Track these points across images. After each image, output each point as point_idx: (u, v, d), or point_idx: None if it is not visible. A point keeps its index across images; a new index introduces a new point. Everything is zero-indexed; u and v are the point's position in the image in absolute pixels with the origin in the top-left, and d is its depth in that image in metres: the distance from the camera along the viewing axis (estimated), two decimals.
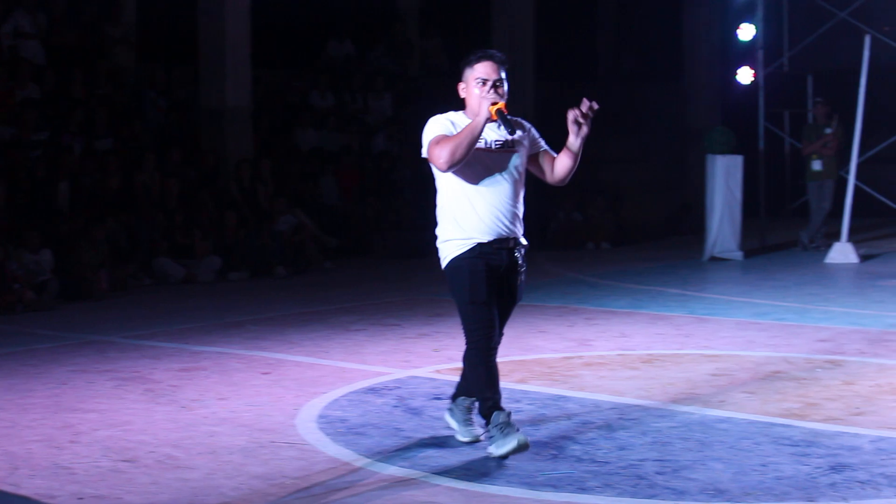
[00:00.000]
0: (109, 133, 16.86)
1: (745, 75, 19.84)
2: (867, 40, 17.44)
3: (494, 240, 6.36)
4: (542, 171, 6.65)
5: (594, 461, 6.29)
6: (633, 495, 5.70)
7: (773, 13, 19.96)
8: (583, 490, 5.79)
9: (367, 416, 7.45)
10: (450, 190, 6.44)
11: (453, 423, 6.77)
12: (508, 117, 6.26)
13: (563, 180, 6.64)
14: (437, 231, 6.53)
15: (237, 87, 18.25)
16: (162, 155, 16.81)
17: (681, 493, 5.71)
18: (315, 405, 7.76)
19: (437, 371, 8.94)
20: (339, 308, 12.58)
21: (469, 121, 6.33)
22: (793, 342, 10.13)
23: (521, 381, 8.45)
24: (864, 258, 16.79)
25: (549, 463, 6.26)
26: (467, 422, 6.73)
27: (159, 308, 12.86)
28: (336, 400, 7.93)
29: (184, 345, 10.30)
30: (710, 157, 17.46)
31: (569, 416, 7.33)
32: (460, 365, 9.05)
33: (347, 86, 21.55)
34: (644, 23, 26.29)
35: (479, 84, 6.38)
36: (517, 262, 6.50)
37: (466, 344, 6.41)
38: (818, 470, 6.07)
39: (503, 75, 6.43)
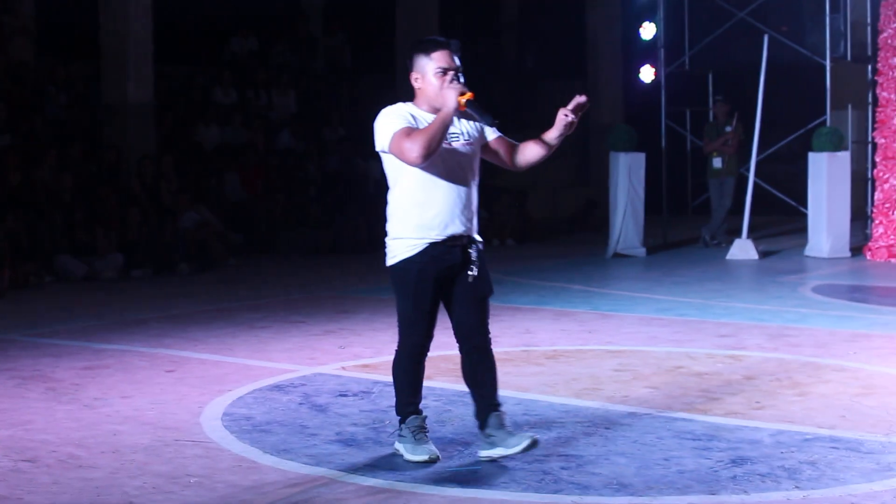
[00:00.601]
0: (8, 128, 16.60)
1: (646, 74, 20.05)
2: (766, 40, 17.71)
3: (448, 237, 6.12)
4: (498, 157, 6.38)
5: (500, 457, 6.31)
6: (538, 490, 5.74)
7: (674, 12, 20.17)
8: (489, 486, 5.82)
9: (273, 413, 7.42)
10: (407, 185, 6.13)
11: (499, 451, 6.20)
12: (476, 103, 6.05)
13: (525, 168, 6.47)
14: (388, 227, 6.23)
15: (139, 82, 18.06)
16: (62, 151, 16.58)
17: (585, 488, 5.76)
18: (220, 403, 7.71)
19: (343, 368, 8.93)
20: (244, 305, 12.51)
21: (425, 112, 6.13)
22: (695, 337, 10.27)
23: (427, 378, 8.39)
24: (763, 254, 17.06)
25: (454, 459, 6.29)
26: (510, 433, 6.23)
27: (61, 306, 12.69)
28: (241, 397, 7.89)
29: (86, 343, 10.17)
30: (613, 155, 17.63)
31: (474, 413, 7.34)
32: (366, 361, 9.10)
33: (251, 82, 21.43)
34: (547, 21, 26.44)
35: (438, 74, 6.13)
36: (470, 257, 6.21)
37: (398, 346, 6.36)
38: (720, 463, 6.16)
39: (458, 63, 6.20)
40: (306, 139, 20.80)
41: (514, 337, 10.36)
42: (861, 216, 18.30)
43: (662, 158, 19.58)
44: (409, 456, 6.21)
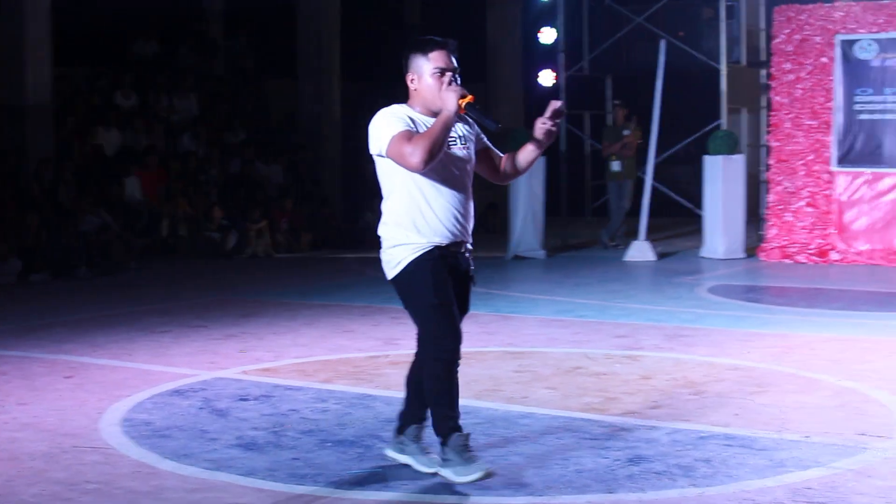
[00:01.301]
0: None
1: (546, 77, 20.22)
2: (662, 45, 17.99)
3: (451, 242, 5.88)
4: (482, 167, 6.16)
5: None
6: (438, 492, 5.78)
7: (573, 17, 20.37)
8: (388, 488, 5.85)
9: (173, 418, 7.40)
10: (405, 190, 5.82)
11: (406, 458, 6.13)
12: (479, 108, 5.84)
13: (507, 181, 6.33)
14: (386, 235, 5.91)
15: (38, 85, 17.84)
16: None
17: (485, 489, 5.81)
18: (119, 408, 7.66)
19: (244, 372, 8.92)
20: (145, 309, 12.41)
21: (421, 115, 5.87)
22: (593, 338, 10.39)
23: (327, 381, 8.49)
24: (661, 256, 17.29)
25: (355, 462, 6.32)
26: (424, 450, 6.12)
27: None
28: (141, 403, 7.85)
29: None
30: None
31: (375, 415, 7.39)
32: (267, 365, 9.09)
33: (152, 85, 21.27)
34: (449, 24, 26.55)
35: (436, 75, 5.84)
36: (469, 264, 6.01)
37: (429, 355, 5.94)
38: (617, 462, 6.25)
39: (456, 64, 5.93)
40: (208, 143, 20.69)
41: (415, 339, 10.37)
42: (755, 218, 18.62)
43: (562, 161, 19.76)
44: (460, 479, 5.83)
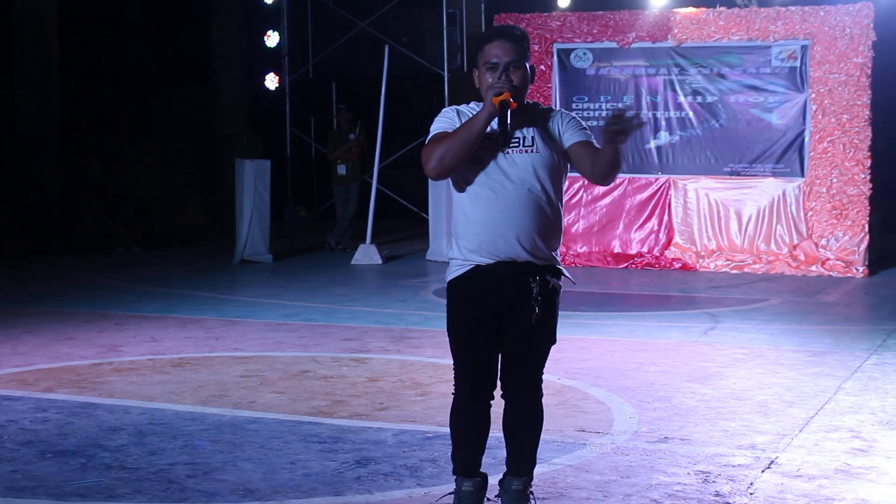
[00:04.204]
0: None
1: (271, 81, 20.18)
2: (386, 50, 18.17)
3: (497, 262, 5.09)
4: (580, 165, 5.14)
5: (124, 468, 6.25)
6: (164, 500, 5.71)
7: (298, 21, 20.40)
8: (113, 498, 5.74)
9: None
10: (459, 198, 5.16)
11: None
12: (509, 112, 4.95)
13: (606, 176, 5.11)
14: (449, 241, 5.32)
15: None
16: None
17: (211, 495, 5.77)
18: None
19: None
20: None
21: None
22: (321, 342, 10.43)
23: (49, 390, 8.26)
24: (387, 259, 17.46)
25: (77, 472, 6.17)
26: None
27: None
28: None
29: None
30: (238, 162, 17.64)
31: (98, 424, 7.24)
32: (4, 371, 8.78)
33: None
34: (172, 26, 26.17)
35: (488, 70, 5.07)
36: (531, 290, 5.11)
37: (454, 388, 5.44)
38: (345, 465, 6.29)
39: (523, 54, 5.10)
40: None
41: (140, 345, 10.23)
42: None
43: (288, 165, 19.74)
44: None
